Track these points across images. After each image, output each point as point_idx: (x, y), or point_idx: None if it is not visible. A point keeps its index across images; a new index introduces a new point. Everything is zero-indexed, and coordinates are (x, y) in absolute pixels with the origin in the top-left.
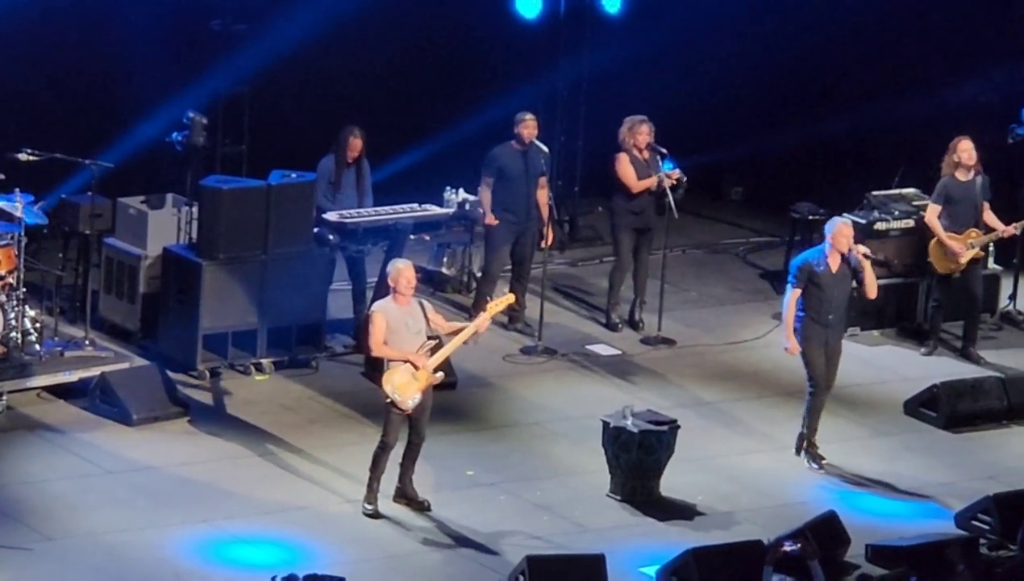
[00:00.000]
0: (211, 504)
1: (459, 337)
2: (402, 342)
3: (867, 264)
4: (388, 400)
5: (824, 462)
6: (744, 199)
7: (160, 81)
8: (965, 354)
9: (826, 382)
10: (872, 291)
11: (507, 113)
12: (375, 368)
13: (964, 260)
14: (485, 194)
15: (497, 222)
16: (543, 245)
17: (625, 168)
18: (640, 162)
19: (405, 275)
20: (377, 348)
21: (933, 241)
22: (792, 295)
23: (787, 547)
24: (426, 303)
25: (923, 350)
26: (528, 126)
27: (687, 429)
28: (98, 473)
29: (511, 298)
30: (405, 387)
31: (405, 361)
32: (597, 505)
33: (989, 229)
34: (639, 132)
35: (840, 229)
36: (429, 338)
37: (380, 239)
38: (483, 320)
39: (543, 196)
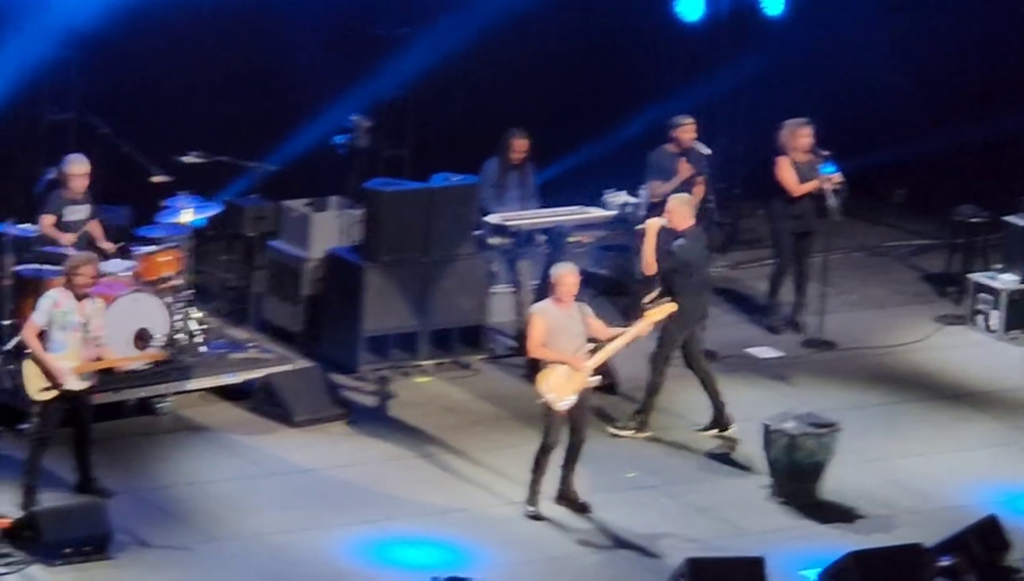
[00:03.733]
0: (373, 506)
1: (619, 341)
2: (562, 344)
3: None
4: (542, 400)
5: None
6: (906, 201)
7: (324, 85)
8: None
9: None
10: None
11: (668, 115)
12: (537, 370)
13: None
14: (657, 188)
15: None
16: None
17: (786, 172)
18: (801, 165)
19: (567, 281)
20: (535, 349)
21: None
22: None
23: (944, 562)
24: (586, 307)
25: None
26: (687, 130)
27: (848, 432)
28: (261, 475)
29: (673, 307)
30: (560, 388)
31: (563, 363)
32: (757, 508)
33: None
34: (800, 135)
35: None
36: (589, 341)
37: (541, 241)
38: (644, 326)
39: (698, 193)
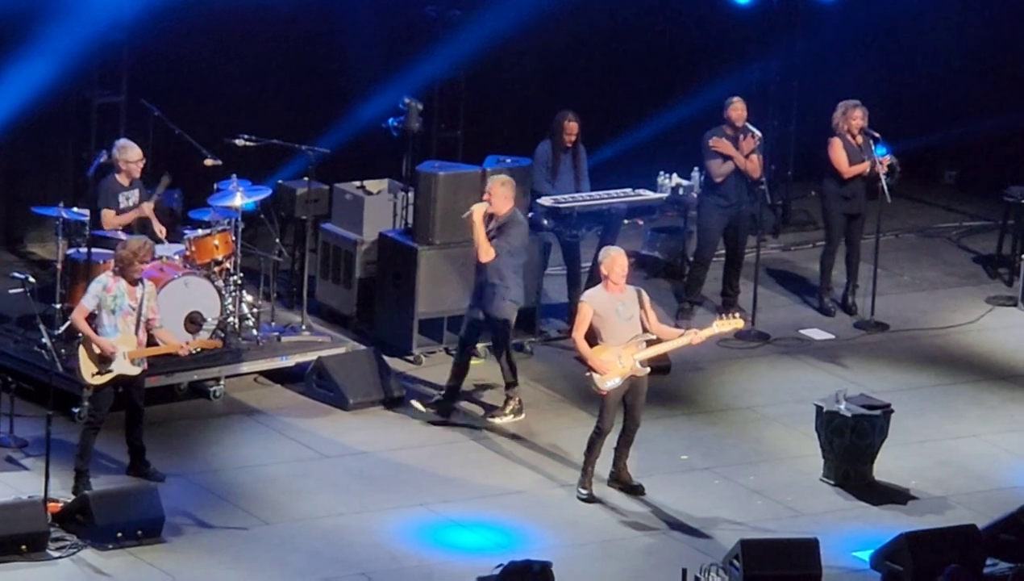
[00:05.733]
0: (427, 488)
1: (674, 343)
2: (612, 329)
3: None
4: (587, 374)
5: None
6: (958, 183)
7: (376, 67)
8: None
9: None
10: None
11: (720, 98)
12: (584, 367)
13: None
14: (718, 168)
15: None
16: None
17: (838, 153)
18: (853, 147)
19: (619, 263)
20: (576, 338)
21: None
22: None
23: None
24: (644, 294)
25: None
26: (737, 108)
27: (900, 413)
28: (314, 458)
29: (739, 323)
30: (608, 368)
31: (592, 361)
32: (810, 489)
33: None
34: (852, 116)
35: (488, 186)
36: (645, 331)
37: (594, 224)
38: (701, 337)
39: (754, 168)
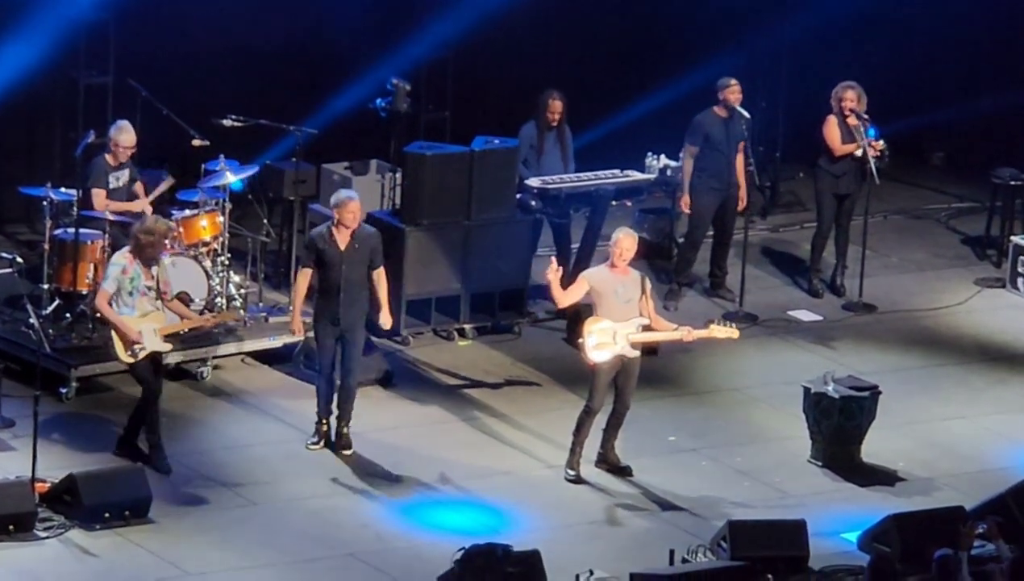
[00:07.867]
0: (414, 469)
1: (666, 335)
2: (609, 308)
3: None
4: (580, 339)
5: None
6: (946, 164)
7: (364, 48)
8: None
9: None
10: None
11: (708, 79)
12: (577, 334)
13: None
14: (688, 164)
15: (690, 211)
16: (739, 209)
17: (831, 130)
18: (845, 127)
19: (621, 245)
20: (559, 294)
21: None
22: (301, 273)
23: (979, 530)
24: (648, 282)
25: None
26: (734, 91)
27: (888, 395)
28: (301, 439)
29: (735, 334)
30: (602, 341)
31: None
32: (798, 471)
33: None
34: (843, 97)
35: (348, 205)
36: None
37: (582, 205)
38: (693, 336)
39: (740, 161)
